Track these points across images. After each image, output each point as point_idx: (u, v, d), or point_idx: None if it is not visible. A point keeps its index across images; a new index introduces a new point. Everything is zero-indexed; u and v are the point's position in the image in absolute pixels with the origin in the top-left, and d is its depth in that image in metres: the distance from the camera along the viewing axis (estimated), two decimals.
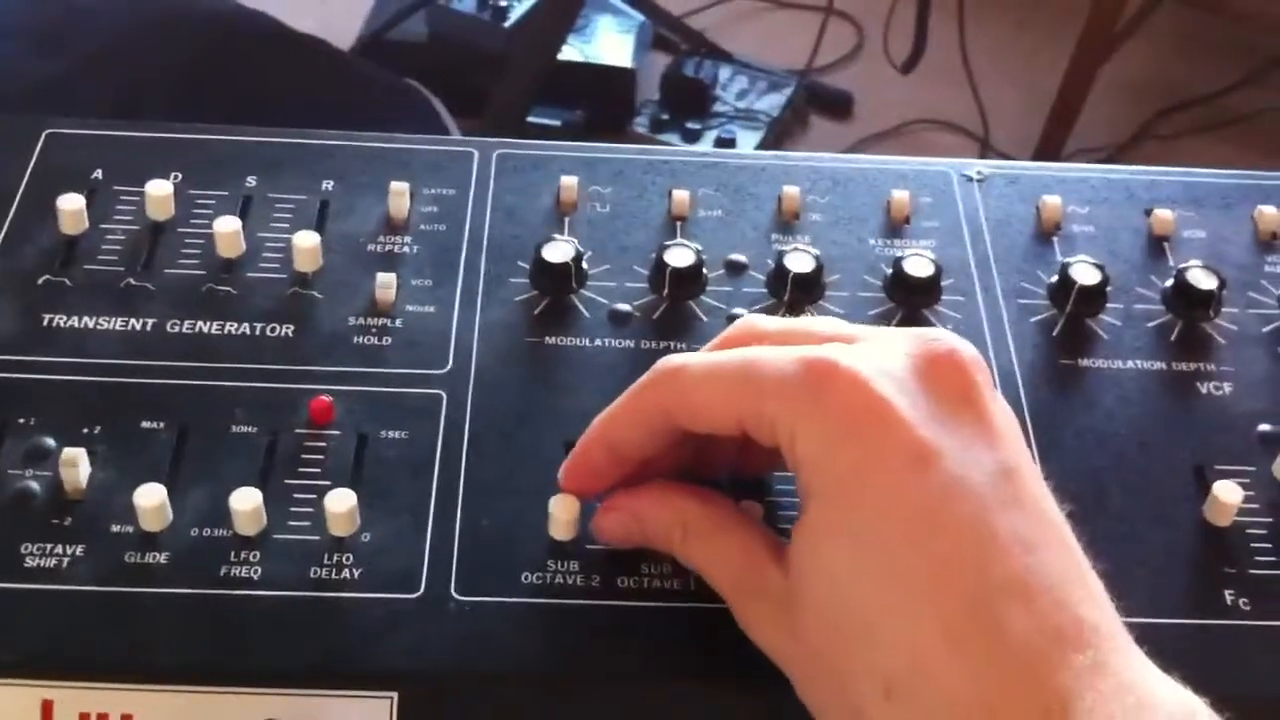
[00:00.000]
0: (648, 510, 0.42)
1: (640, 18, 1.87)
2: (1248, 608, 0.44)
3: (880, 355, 0.39)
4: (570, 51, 1.78)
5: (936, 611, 0.35)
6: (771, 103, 1.86)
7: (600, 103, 1.80)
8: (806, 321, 0.43)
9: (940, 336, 0.40)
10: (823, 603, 0.37)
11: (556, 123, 1.74)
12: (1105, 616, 0.36)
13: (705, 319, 0.51)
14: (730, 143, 1.78)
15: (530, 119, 1.71)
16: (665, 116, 1.81)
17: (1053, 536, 0.37)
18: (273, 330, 0.49)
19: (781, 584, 0.39)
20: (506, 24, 1.73)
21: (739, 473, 0.45)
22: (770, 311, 0.51)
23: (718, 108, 1.84)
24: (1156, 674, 0.36)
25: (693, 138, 1.78)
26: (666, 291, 0.51)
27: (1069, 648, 0.35)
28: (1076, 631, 0.35)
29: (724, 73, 1.88)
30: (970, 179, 0.57)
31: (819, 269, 0.51)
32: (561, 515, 0.43)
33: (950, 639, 0.35)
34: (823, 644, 0.37)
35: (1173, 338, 0.51)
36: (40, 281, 0.50)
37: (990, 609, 0.35)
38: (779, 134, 1.84)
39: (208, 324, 0.49)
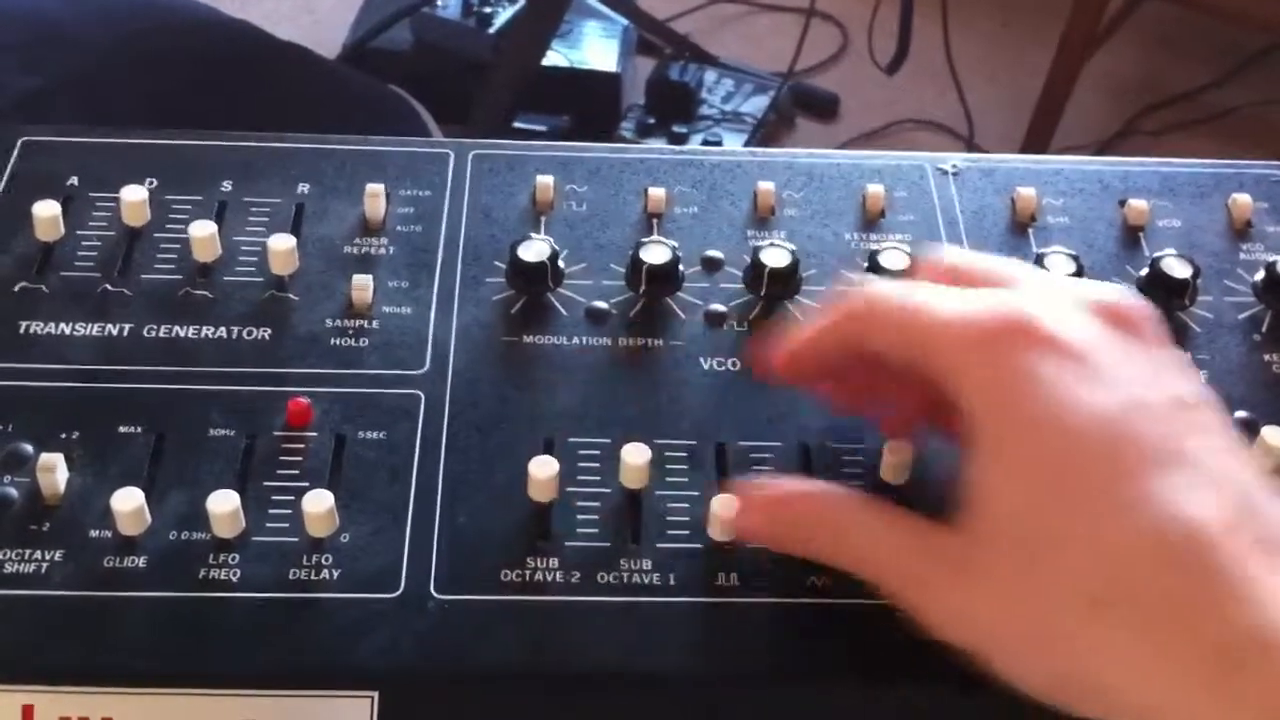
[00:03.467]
0: (805, 504, 0.42)
1: (624, 23, 1.87)
2: None
3: (1062, 299, 0.40)
4: (555, 57, 1.78)
5: (1134, 518, 0.35)
6: (757, 105, 1.85)
7: (586, 108, 1.80)
8: (999, 262, 0.44)
9: (1119, 288, 0.42)
10: (1012, 530, 0.37)
11: (542, 128, 1.74)
12: None
13: (682, 315, 0.51)
14: (717, 146, 1.78)
15: (516, 125, 1.71)
16: (651, 121, 1.81)
17: (1239, 464, 0.37)
18: (250, 333, 0.49)
19: (954, 541, 0.39)
20: (491, 30, 1.74)
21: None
22: (746, 307, 0.51)
23: (704, 111, 1.84)
24: None
25: (679, 142, 1.77)
26: (643, 289, 0.51)
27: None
28: None
29: (709, 76, 1.88)
30: (945, 172, 0.57)
31: (795, 264, 0.51)
32: (540, 475, 0.44)
33: (1155, 544, 0.35)
34: (1016, 570, 0.37)
35: None
36: (17, 289, 0.50)
37: (1188, 517, 0.35)
38: (765, 136, 1.84)
39: (184, 328, 0.49)
